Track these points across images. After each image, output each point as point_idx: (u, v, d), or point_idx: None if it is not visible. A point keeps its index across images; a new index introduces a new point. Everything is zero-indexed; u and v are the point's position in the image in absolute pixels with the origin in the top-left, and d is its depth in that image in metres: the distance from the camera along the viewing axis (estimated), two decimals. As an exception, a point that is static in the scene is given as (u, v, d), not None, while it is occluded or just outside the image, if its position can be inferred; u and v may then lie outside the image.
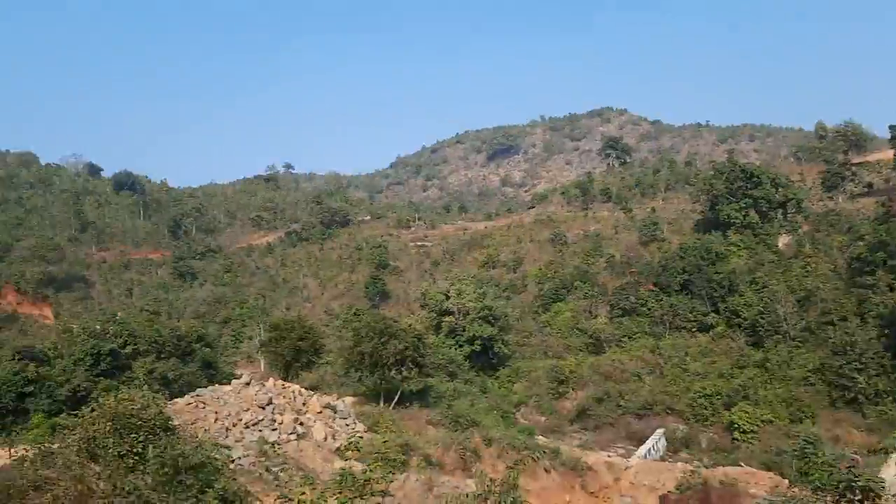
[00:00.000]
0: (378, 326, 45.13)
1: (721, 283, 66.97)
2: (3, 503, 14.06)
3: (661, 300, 69.04)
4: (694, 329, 66.33)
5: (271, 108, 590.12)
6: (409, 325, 51.69)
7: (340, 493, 13.88)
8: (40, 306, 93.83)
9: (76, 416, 17.89)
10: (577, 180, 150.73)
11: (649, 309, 69.21)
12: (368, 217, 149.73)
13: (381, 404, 41.66)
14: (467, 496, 14.15)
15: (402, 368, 43.86)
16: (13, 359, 45.25)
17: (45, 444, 16.79)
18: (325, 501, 13.45)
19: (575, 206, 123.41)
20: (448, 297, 67.14)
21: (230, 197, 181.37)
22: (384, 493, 15.10)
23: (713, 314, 66.81)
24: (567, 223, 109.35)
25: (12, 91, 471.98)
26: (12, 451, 18.75)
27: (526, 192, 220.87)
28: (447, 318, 66.12)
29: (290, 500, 13.63)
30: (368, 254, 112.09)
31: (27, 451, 16.35)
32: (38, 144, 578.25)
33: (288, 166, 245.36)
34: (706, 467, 38.19)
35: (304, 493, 13.48)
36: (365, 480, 14.27)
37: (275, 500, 14.82)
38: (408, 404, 43.05)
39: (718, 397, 52.07)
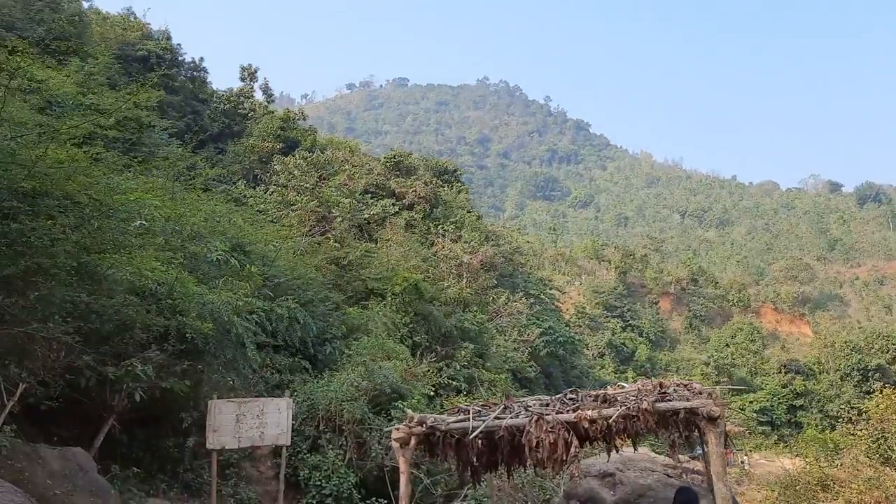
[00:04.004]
0: None
1: None
2: (793, 500, 13.89)
3: None
4: None
5: None
6: None
7: None
8: (797, 323, 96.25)
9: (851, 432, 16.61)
10: None
11: None
12: None
13: None
14: None
15: None
16: (780, 371, 46.81)
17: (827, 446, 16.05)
18: None
19: None
20: None
21: None
22: None
23: None
24: None
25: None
26: (794, 458, 18.74)
27: None
28: None
29: None
30: None
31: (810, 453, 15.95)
32: (776, 173, 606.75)
33: None
34: None
35: None
36: None
37: None
38: None
39: None
